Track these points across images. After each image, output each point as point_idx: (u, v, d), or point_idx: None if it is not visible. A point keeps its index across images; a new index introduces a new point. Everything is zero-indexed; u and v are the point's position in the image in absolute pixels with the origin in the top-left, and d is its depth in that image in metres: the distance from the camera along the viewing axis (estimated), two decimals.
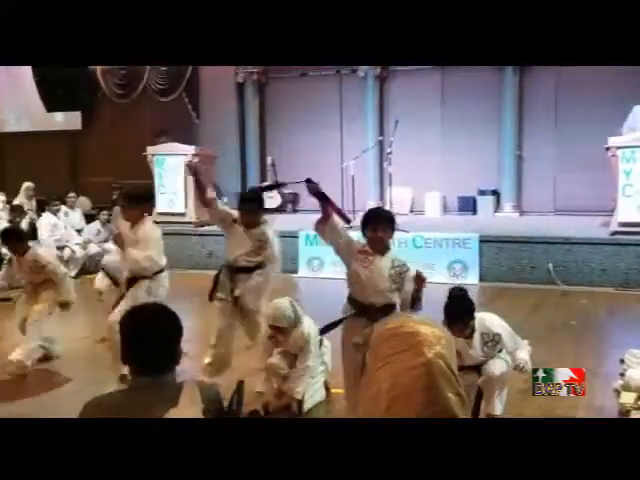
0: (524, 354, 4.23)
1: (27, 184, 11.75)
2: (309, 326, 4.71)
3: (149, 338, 2.15)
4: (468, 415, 1.54)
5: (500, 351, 4.24)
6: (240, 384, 2.22)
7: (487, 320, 4.21)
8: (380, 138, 11.88)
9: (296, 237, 10.10)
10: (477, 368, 4.20)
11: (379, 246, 3.90)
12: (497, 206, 12.24)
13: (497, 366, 4.20)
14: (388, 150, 10.47)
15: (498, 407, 4.23)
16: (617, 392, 4.72)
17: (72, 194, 11.53)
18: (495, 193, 12.26)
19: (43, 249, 6.72)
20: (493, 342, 4.15)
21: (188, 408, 1.96)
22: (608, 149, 8.90)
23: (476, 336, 4.13)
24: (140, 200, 5.28)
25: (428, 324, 1.55)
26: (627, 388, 4.59)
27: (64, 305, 6.00)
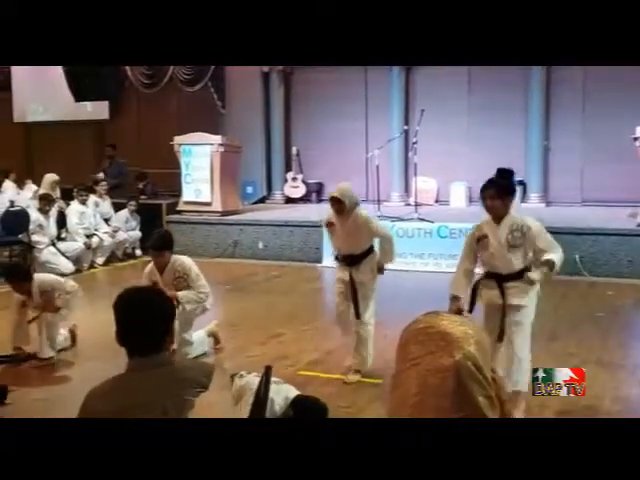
0: (556, 257, 4.28)
1: (55, 178, 11.23)
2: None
3: (143, 320, 2.20)
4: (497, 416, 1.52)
5: (524, 253, 4.32)
6: (268, 369, 2.26)
7: (522, 217, 4.44)
8: (405, 127, 11.81)
9: (320, 227, 10.09)
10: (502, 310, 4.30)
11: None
12: (523, 197, 12.11)
13: (518, 297, 4.32)
14: (414, 140, 10.44)
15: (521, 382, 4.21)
16: None
17: (104, 183, 11.65)
18: (522, 183, 12.12)
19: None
20: (519, 232, 4.31)
21: (219, 392, 2.00)
22: (636, 139, 8.79)
23: (506, 222, 4.35)
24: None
25: (459, 322, 1.52)
26: None
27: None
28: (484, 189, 4.41)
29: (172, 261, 5.66)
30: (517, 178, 12.11)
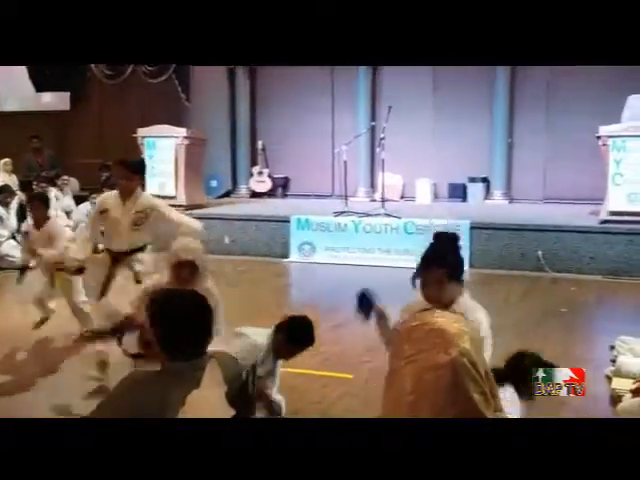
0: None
1: (4, 160, 11.81)
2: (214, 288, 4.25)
3: (184, 324, 2.11)
4: (492, 413, 1.52)
5: None
6: (254, 366, 2.22)
7: (470, 304, 3.26)
8: (372, 124, 11.84)
9: (287, 222, 10.09)
10: None
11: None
12: (487, 193, 12.27)
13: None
14: (381, 135, 10.46)
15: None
16: (608, 378, 4.78)
17: (65, 177, 11.45)
18: (485, 180, 12.29)
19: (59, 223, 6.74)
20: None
21: (212, 389, 1.96)
22: (599, 138, 8.94)
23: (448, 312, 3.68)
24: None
25: (452, 320, 1.53)
26: (618, 374, 4.65)
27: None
28: (428, 267, 2.99)
29: (138, 192, 4.93)
30: (481, 175, 12.32)
